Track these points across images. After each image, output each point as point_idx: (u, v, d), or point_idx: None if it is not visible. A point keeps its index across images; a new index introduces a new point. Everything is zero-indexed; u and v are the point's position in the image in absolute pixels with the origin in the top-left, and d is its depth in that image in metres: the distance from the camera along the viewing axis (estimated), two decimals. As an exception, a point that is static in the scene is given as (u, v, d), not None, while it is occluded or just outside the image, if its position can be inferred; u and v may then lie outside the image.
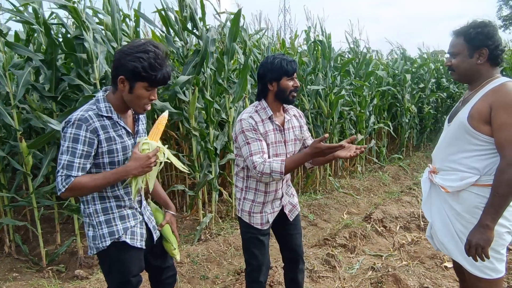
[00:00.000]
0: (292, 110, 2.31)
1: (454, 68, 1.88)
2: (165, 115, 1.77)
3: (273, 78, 2.10)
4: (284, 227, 2.32)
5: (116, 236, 1.74)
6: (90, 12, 3.46)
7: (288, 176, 2.30)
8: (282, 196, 2.25)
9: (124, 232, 1.76)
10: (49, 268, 3.37)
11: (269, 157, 2.11)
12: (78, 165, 1.59)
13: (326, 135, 1.89)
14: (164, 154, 1.76)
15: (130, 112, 1.82)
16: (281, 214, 2.27)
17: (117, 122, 1.70)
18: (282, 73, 2.08)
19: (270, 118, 2.15)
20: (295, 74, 2.12)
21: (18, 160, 3.79)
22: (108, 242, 1.73)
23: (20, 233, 3.95)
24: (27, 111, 3.74)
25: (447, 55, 1.95)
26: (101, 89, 1.79)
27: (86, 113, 1.61)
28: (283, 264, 2.49)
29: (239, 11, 4.05)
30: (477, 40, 1.77)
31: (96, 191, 1.70)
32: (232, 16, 4.68)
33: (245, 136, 2.06)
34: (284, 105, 2.23)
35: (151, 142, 1.71)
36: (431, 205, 2.02)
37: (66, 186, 1.57)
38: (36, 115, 3.51)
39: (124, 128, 1.73)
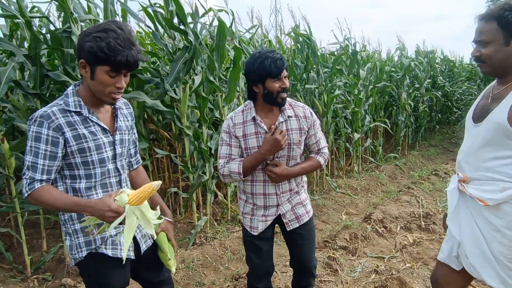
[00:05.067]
0: (294, 110, 2.04)
1: (485, 59, 1.59)
2: (154, 185, 1.44)
3: (257, 79, 1.90)
4: (290, 235, 2.14)
5: (93, 247, 1.58)
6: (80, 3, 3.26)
7: (294, 184, 2.11)
8: (280, 204, 2.06)
9: (102, 242, 1.59)
10: (34, 277, 3.16)
11: None
12: (42, 167, 1.46)
13: (273, 126, 1.95)
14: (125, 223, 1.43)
15: (108, 107, 1.64)
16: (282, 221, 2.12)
17: (88, 117, 1.53)
18: (265, 74, 1.87)
19: (254, 119, 1.97)
20: (283, 73, 1.89)
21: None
22: (85, 253, 1.58)
23: (3, 239, 3.74)
24: (9, 110, 3.54)
25: (474, 45, 1.66)
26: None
27: (49, 109, 1.47)
28: (282, 269, 2.36)
29: (222, 23, 3.89)
30: None
31: (54, 210, 1.53)
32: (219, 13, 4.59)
33: (221, 136, 2.02)
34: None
35: (122, 198, 1.44)
36: (459, 219, 1.75)
37: (29, 192, 1.46)
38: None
39: (98, 124, 1.56)
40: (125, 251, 1.44)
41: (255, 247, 2.12)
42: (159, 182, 1.48)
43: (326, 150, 2.17)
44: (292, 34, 5.67)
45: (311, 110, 2.13)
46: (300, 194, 2.14)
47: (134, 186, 1.84)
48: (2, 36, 3.60)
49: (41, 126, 1.44)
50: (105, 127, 1.59)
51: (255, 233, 2.08)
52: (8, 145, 3.02)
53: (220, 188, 4.90)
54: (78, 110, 1.51)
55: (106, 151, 1.58)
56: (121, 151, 1.66)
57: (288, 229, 2.10)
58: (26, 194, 1.47)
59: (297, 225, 2.10)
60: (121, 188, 1.65)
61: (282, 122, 1.99)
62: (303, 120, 2.04)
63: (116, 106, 1.67)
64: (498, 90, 1.62)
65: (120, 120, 1.67)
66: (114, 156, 1.63)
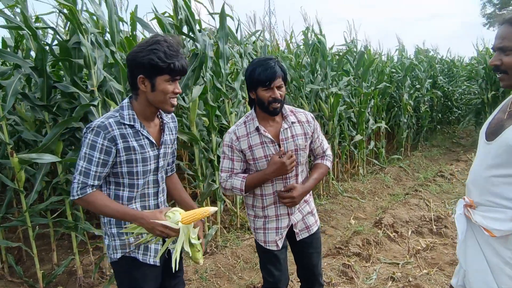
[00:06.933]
0: (295, 116, 2.04)
1: (507, 69, 1.37)
2: (210, 211, 1.61)
3: (250, 86, 1.91)
4: (299, 244, 2.12)
5: (127, 250, 1.69)
6: (85, 14, 3.22)
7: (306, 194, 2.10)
8: (291, 213, 2.04)
9: (136, 247, 1.69)
10: (46, 291, 3.12)
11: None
12: (94, 173, 1.57)
13: (282, 149, 1.93)
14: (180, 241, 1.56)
15: (157, 121, 1.73)
16: (292, 231, 2.09)
17: (139, 131, 1.63)
18: (256, 82, 1.86)
19: (257, 129, 1.95)
20: (275, 82, 1.85)
21: (7, 174, 3.53)
22: (119, 255, 1.69)
23: (12, 252, 3.68)
24: (16, 123, 3.49)
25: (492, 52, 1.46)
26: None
27: (106, 120, 1.57)
28: (297, 278, 2.33)
29: (223, 11, 3.86)
30: None
31: (103, 215, 1.66)
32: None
33: (223, 150, 2.01)
34: (282, 112, 1.99)
35: (175, 217, 1.56)
36: (465, 248, 1.58)
37: (80, 196, 1.57)
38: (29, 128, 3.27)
39: (148, 138, 1.66)
40: (158, 255, 1.60)
41: (274, 259, 2.08)
42: (216, 208, 1.61)
43: (329, 151, 2.19)
44: (304, 36, 5.69)
45: (312, 115, 2.13)
46: (309, 203, 2.14)
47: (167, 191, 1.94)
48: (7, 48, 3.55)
49: (97, 136, 1.54)
50: (153, 141, 1.68)
51: (272, 248, 2.05)
52: (17, 158, 2.97)
53: (227, 195, 4.85)
54: (132, 123, 1.61)
55: (150, 164, 1.67)
56: (163, 164, 1.75)
57: (298, 239, 2.09)
58: (76, 197, 1.56)
59: (307, 234, 2.11)
60: (157, 198, 1.76)
61: (286, 128, 1.99)
62: (306, 125, 2.05)
63: (164, 122, 1.75)
64: None
65: (166, 134, 1.76)
66: (156, 169, 1.72)
